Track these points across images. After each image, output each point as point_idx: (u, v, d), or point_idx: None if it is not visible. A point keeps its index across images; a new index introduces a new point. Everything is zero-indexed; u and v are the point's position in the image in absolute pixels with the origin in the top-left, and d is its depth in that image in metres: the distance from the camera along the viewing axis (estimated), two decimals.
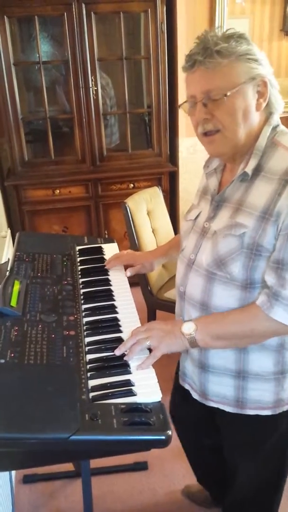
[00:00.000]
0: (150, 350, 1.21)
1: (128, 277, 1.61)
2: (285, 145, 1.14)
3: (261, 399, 1.26)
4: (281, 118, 1.21)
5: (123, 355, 1.20)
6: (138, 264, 1.62)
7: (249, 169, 1.14)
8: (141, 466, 2.09)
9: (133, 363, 1.18)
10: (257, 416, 1.27)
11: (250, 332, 1.17)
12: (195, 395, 1.38)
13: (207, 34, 1.10)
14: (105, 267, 1.65)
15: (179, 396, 1.54)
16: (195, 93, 1.13)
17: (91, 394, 1.06)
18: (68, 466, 1.99)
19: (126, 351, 1.20)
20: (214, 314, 1.21)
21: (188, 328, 1.19)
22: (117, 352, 1.20)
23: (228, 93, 1.08)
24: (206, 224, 1.24)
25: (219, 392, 1.30)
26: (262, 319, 1.13)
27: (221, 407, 1.31)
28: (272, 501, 1.51)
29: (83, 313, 1.38)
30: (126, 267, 1.64)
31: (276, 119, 1.17)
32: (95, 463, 1.82)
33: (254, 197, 1.13)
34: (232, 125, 1.13)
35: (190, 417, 1.55)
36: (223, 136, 1.14)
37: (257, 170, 1.14)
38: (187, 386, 1.42)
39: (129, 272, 1.61)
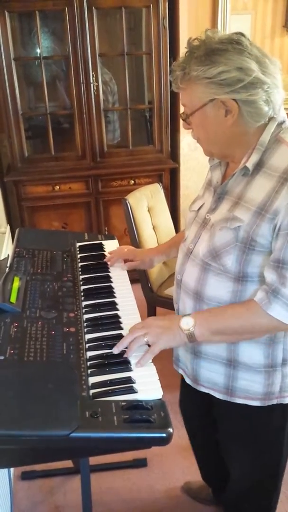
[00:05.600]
0: (149, 346, 1.20)
1: (127, 272, 1.62)
2: None
3: (249, 389, 1.26)
4: None
5: (123, 352, 1.19)
6: (138, 260, 1.64)
7: (250, 164, 1.14)
8: (141, 463, 2.09)
9: (133, 360, 1.17)
10: (248, 406, 1.27)
11: (250, 328, 1.16)
12: (188, 380, 1.39)
13: (189, 45, 1.12)
14: (107, 263, 1.65)
15: (183, 388, 1.54)
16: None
17: (92, 391, 1.06)
18: (67, 463, 1.99)
19: (125, 348, 1.20)
20: (213, 309, 1.21)
21: (187, 323, 1.18)
22: (115, 351, 1.19)
23: (194, 112, 1.16)
24: (207, 216, 1.25)
25: (210, 378, 1.31)
26: (262, 316, 1.12)
27: (212, 393, 1.32)
28: (269, 497, 1.50)
29: (84, 310, 1.37)
30: (125, 261, 1.66)
31: (282, 115, 1.17)
32: (94, 459, 1.81)
33: (253, 192, 1.13)
34: (205, 137, 1.21)
35: (192, 409, 1.57)
36: (201, 144, 1.24)
37: (259, 165, 1.14)
38: (180, 371, 1.43)
39: (126, 266, 1.63)
